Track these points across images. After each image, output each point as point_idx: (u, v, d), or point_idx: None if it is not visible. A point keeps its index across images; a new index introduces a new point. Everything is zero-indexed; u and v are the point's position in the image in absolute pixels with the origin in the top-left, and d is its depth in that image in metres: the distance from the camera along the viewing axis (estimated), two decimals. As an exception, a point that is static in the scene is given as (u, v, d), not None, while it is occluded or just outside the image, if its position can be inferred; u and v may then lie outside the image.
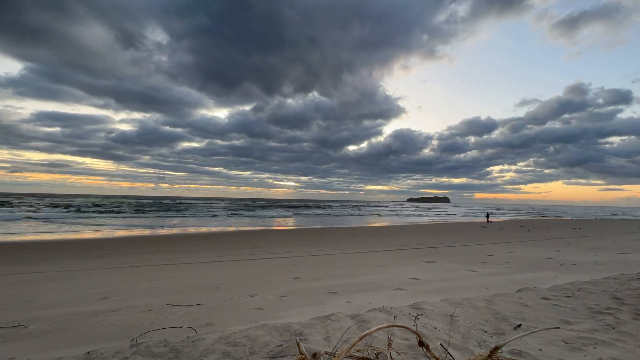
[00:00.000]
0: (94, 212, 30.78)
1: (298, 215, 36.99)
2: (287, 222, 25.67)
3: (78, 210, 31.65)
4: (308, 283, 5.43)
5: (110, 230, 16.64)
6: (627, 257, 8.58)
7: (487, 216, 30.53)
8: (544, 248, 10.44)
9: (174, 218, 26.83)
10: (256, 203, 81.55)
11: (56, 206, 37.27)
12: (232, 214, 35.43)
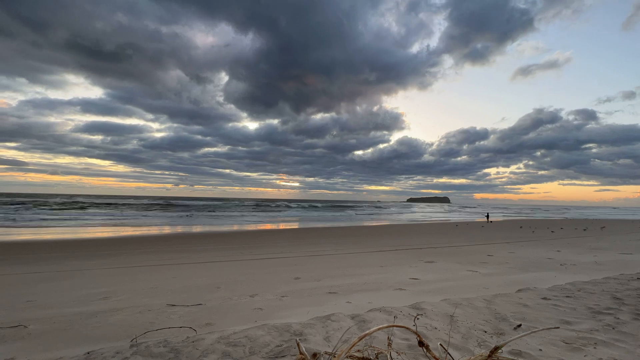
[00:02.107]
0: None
1: (299, 215, 36.97)
2: (287, 222, 25.67)
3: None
4: (308, 283, 5.42)
5: (110, 231, 16.64)
6: (627, 257, 8.58)
7: (487, 216, 30.55)
8: (544, 248, 10.43)
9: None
10: (259, 203, 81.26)
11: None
12: (234, 213, 35.36)
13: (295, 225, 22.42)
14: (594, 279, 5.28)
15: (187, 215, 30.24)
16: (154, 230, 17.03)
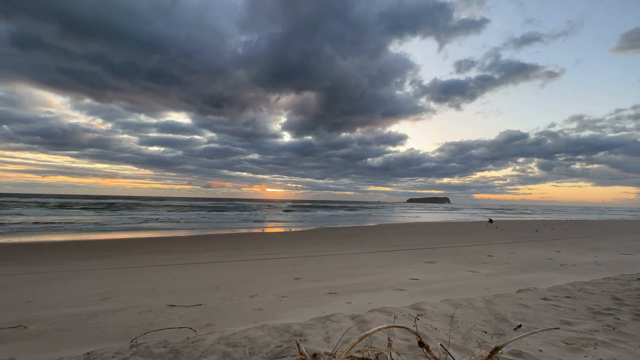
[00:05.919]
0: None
1: (301, 215, 36.98)
2: (288, 222, 25.66)
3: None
4: (308, 284, 5.42)
5: (110, 231, 16.64)
6: (627, 257, 8.57)
7: (490, 221, 30.20)
8: (544, 248, 10.43)
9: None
10: (262, 204, 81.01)
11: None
12: (235, 214, 35.37)
13: (296, 226, 22.41)
14: (594, 280, 5.28)
15: (187, 216, 30.20)
16: (153, 231, 17.03)
